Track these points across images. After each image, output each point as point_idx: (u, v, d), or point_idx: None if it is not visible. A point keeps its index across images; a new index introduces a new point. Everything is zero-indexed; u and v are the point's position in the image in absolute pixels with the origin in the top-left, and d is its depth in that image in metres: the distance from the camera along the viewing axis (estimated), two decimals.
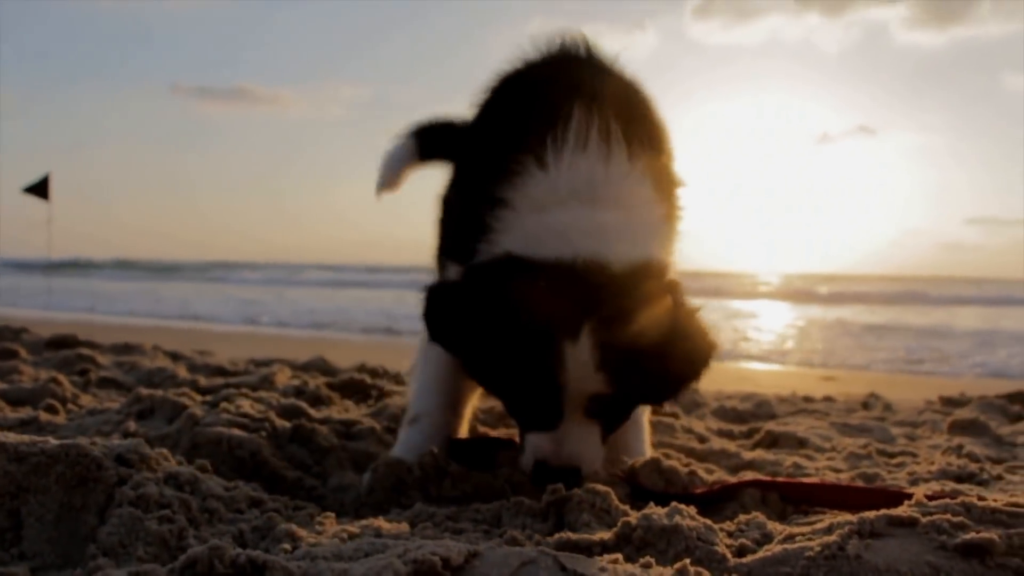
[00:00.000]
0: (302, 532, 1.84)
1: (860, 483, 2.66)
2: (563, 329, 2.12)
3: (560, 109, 2.34)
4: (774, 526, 1.96)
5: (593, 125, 2.31)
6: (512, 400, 2.37)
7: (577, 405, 2.22)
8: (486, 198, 2.34)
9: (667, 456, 2.76)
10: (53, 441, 1.89)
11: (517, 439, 2.50)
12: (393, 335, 11.74)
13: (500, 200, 2.31)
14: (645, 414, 2.79)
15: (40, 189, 18.27)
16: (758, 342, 12.24)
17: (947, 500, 1.85)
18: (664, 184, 2.46)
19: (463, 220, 2.46)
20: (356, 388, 4.08)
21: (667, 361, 2.25)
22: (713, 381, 6.13)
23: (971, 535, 1.64)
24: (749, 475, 2.67)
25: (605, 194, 2.27)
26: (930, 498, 1.88)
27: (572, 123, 2.31)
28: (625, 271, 2.18)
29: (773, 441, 3.39)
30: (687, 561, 1.60)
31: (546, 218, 2.24)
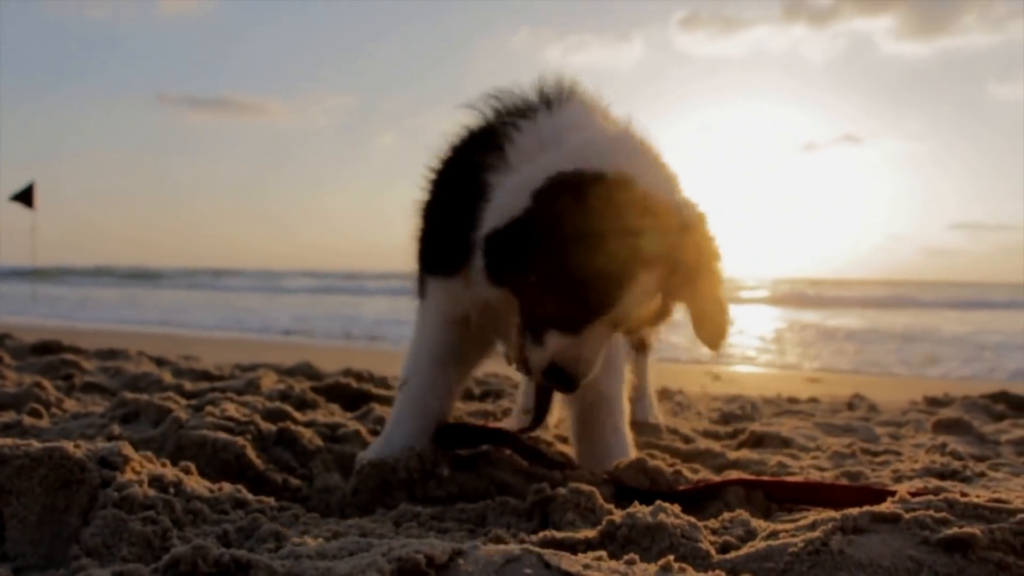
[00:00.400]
0: (287, 532, 1.84)
1: (845, 481, 2.67)
2: (637, 262, 2.18)
3: (539, 93, 2.53)
4: (758, 523, 1.97)
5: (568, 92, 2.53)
6: (553, 305, 2.30)
7: (609, 323, 2.27)
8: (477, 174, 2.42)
9: (652, 456, 2.77)
10: (36, 444, 1.89)
11: (503, 428, 2.65)
12: (378, 340, 11.73)
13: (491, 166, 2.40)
14: (624, 417, 2.80)
15: (25, 197, 18.22)
16: (744, 346, 12.27)
17: (929, 496, 1.86)
18: None
19: (451, 214, 2.49)
20: (341, 392, 4.07)
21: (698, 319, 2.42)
22: (698, 384, 6.14)
23: (953, 530, 1.65)
24: (734, 474, 2.68)
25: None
26: (913, 495, 1.89)
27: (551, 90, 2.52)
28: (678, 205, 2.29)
29: (758, 441, 3.40)
30: (671, 557, 1.61)
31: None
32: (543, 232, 2.20)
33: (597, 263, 2.16)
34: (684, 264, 2.26)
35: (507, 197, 2.30)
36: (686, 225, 2.26)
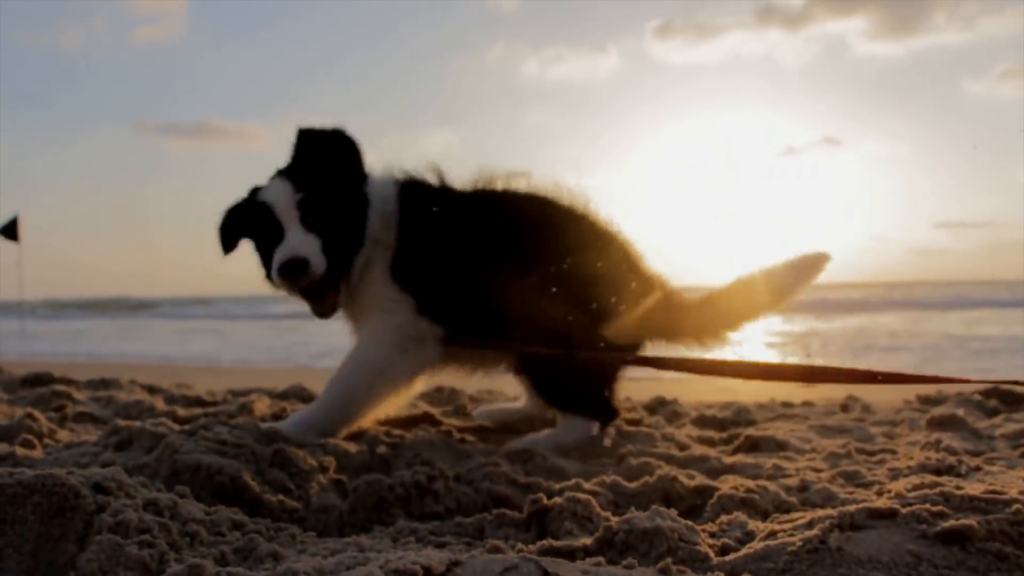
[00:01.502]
0: (285, 552, 1.83)
1: (841, 481, 2.67)
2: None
3: None
4: (756, 524, 1.97)
5: None
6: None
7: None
8: None
9: (646, 464, 2.78)
10: (29, 472, 1.88)
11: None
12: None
13: None
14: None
15: (9, 231, 18.10)
16: (735, 353, 12.26)
17: (926, 490, 1.87)
18: None
19: None
20: None
21: None
22: (693, 392, 6.13)
23: (950, 523, 1.66)
24: (730, 479, 2.68)
25: None
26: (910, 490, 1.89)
27: None
28: None
29: (753, 445, 3.40)
30: (669, 561, 1.61)
31: None
32: None
33: None
34: None
35: None
36: None
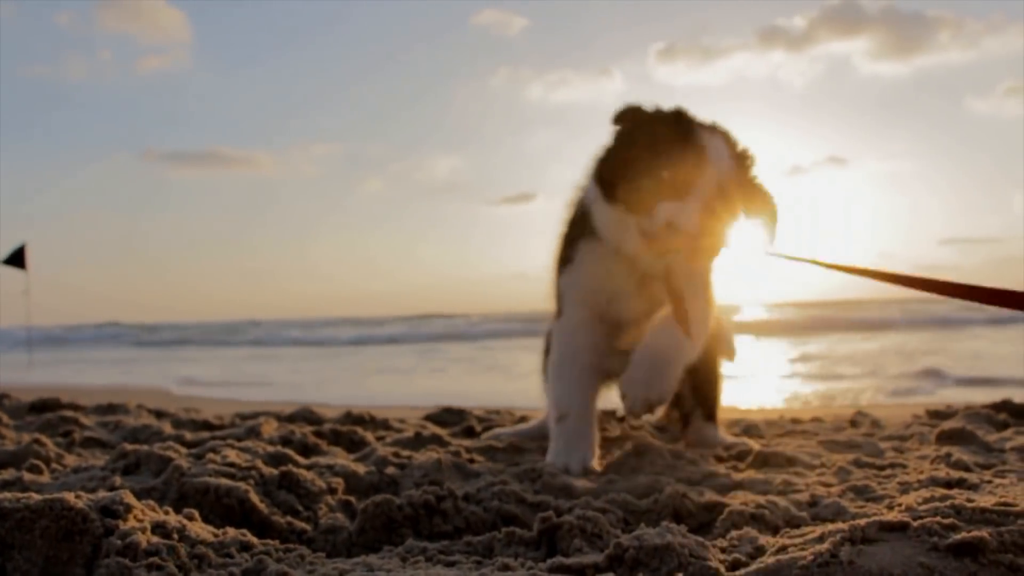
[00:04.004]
0: (294, 573, 1.83)
1: (851, 495, 2.66)
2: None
3: None
4: (766, 540, 1.96)
5: None
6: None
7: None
8: None
9: (656, 480, 2.77)
10: (37, 496, 1.88)
11: None
12: (376, 388, 11.69)
13: None
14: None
15: (16, 259, 18.16)
16: (743, 371, 12.25)
17: (936, 503, 1.86)
18: None
19: None
20: (343, 435, 4.06)
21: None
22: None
23: (962, 535, 1.65)
24: (740, 495, 2.67)
25: None
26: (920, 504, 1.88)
27: None
28: None
29: (763, 461, 3.39)
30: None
31: None
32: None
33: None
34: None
35: None
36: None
